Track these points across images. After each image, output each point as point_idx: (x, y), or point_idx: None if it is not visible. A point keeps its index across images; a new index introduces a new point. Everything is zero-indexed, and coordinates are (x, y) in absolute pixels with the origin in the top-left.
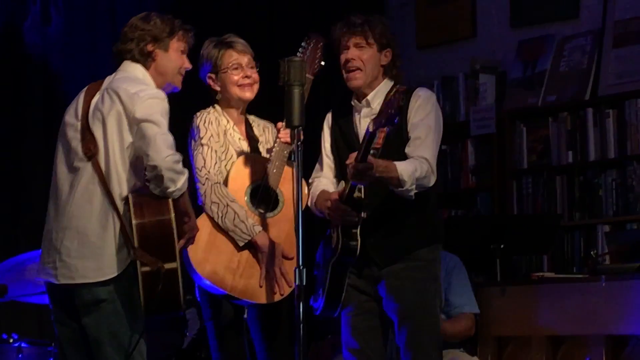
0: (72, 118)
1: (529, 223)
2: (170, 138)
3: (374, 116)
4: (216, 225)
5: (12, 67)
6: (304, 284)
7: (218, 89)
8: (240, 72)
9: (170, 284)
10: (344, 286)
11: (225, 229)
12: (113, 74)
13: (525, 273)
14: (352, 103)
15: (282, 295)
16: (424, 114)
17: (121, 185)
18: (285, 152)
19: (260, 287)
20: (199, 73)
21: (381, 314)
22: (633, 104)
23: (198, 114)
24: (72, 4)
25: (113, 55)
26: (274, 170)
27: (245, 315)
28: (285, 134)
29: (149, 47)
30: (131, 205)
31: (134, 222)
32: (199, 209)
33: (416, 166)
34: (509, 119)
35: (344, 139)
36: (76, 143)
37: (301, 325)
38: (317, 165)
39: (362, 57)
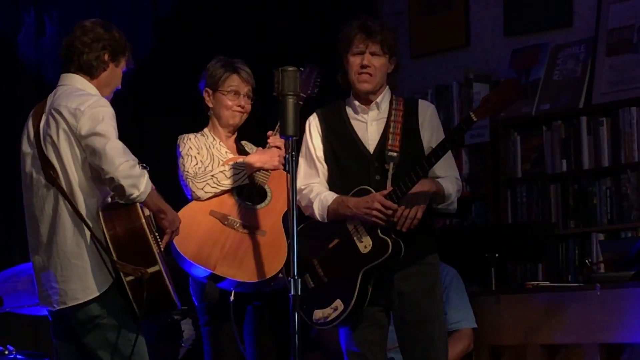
0: (27, 147)
1: (524, 232)
2: (119, 145)
3: (381, 119)
4: (201, 212)
5: (6, 78)
6: (299, 293)
7: (211, 105)
8: (235, 99)
9: (158, 286)
10: (368, 293)
11: (229, 187)
12: (53, 92)
13: (520, 282)
14: (355, 105)
15: (265, 276)
16: (438, 130)
17: (87, 201)
18: None
19: (244, 267)
20: (199, 83)
21: (386, 325)
22: (627, 112)
23: (180, 136)
24: (66, 15)
25: (61, 52)
26: (262, 170)
27: (232, 298)
28: (274, 140)
29: (106, 57)
30: (101, 220)
31: (107, 235)
32: (181, 203)
33: (455, 183)
34: (503, 127)
35: (343, 143)
36: (37, 172)
37: (297, 335)
38: (308, 170)
39: (375, 64)
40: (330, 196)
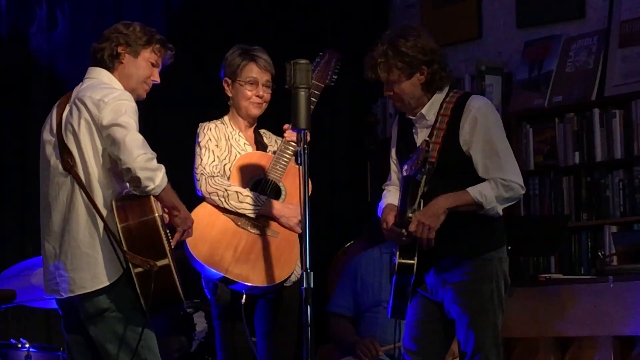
0: (48, 135)
1: (536, 224)
2: (139, 138)
3: (429, 128)
4: (214, 213)
5: (18, 71)
6: (311, 286)
7: (230, 95)
8: (254, 89)
9: (166, 280)
10: (407, 297)
11: (234, 210)
12: (80, 84)
13: (533, 274)
14: (408, 116)
15: (277, 280)
16: (481, 130)
17: (103, 192)
18: (289, 149)
19: (257, 270)
20: (220, 71)
21: (443, 318)
22: (639, 104)
23: (201, 124)
24: (78, 9)
25: (89, 54)
26: (277, 166)
27: (243, 301)
28: (290, 134)
29: (119, 49)
30: (115, 211)
31: (119, 226)
32: (195, 202)
33: (496, 187)
34: (515, 120)
35: (406, 148)
36: (55, 159)
37: (309, 328)
38: (390, 171)
39: (393, 90)
40: (384, 208)
